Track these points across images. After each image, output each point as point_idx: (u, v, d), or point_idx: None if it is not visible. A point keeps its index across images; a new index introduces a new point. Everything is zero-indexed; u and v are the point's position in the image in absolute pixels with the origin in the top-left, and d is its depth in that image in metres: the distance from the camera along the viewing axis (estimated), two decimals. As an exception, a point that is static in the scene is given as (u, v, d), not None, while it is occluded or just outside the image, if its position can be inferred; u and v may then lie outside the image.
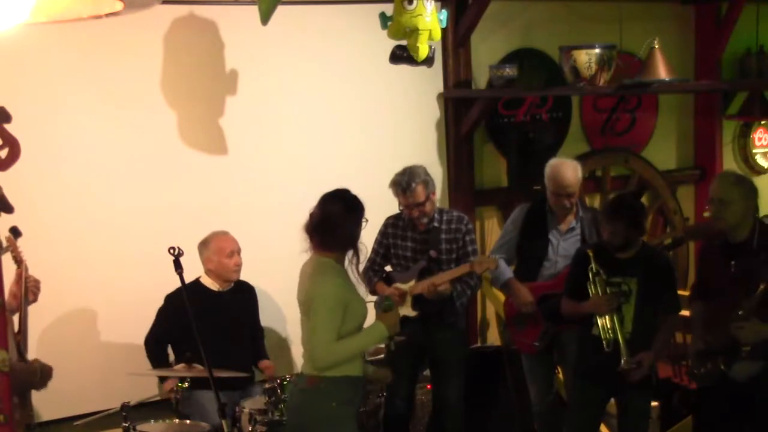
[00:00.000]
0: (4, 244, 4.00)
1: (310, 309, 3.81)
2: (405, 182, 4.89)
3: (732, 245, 4.26)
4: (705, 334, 4.34)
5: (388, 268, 5.18)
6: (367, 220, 3.95)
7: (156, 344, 4.98)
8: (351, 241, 3.86)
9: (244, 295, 5.21)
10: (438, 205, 5.33)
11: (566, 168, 4.97)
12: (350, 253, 3.88)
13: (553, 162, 5.10)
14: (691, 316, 4.61)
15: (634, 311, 4.34)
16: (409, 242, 5.05)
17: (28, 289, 4.15)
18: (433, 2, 4.42)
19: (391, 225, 5.11)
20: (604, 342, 4.32)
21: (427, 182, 4.93)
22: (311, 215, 3.88)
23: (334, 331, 3.76)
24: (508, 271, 5.14)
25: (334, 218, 3.83)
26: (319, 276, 3.82)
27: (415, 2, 4.33)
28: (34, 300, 4.23)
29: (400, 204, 4.99)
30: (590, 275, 4.39)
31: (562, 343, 5.00)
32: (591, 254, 4.40)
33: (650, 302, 4.35)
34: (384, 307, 3.99)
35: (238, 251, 5.09)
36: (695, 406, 4.54)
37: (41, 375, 4.06)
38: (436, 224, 4.99)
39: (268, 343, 5.36)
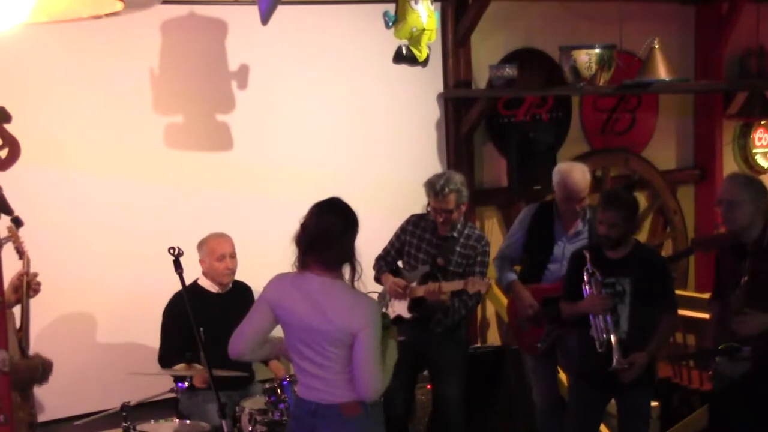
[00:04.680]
0: (6, 234, 4.00)
1: (361, 335, 3.47)
2: (440, 185, 4.81)
3: (743, 246, 4.23)
4: (717, 334, 4.33)
5: (399, 264, 5.16)
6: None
7: (169, 360, 4.90)
8: (350, 257, 3.57)
9: (242, 296, 5.19)
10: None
11: (576, 173, 4.91)
12: (348, 267, 3.60)
13: (561, 167, 5.03)
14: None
15: (629, 311, 4.34)
16: (425, 244, 5.02)
17: (29, 284, 4.13)
18: (432, 2, 4.43)
19: (413, 223, 5.08)
20: (597, 343, 4.32)
21: (461, 192, 4.86)
22: (304, 227, 3.57)
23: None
24: (511, 274, 5.14)
25: (335, 234, 3.52)
26: (364, 300, 3.58)
27: (420, 2, 4.36)
28: (35, 294, 4.21)
29: (428, 205, 4.95)
30: (586, 276, 4.40)
31: (565, 345, 4.99)
32: (587, 255, 4.40)
33: (645, 302, 4.35)
34: (384, 325, 3.92)
35: (231, 255, 5.04)
36: (710, 408, 4.50)
37: (42, 370, 4.06)
38: (455, 234, 4.94)
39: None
